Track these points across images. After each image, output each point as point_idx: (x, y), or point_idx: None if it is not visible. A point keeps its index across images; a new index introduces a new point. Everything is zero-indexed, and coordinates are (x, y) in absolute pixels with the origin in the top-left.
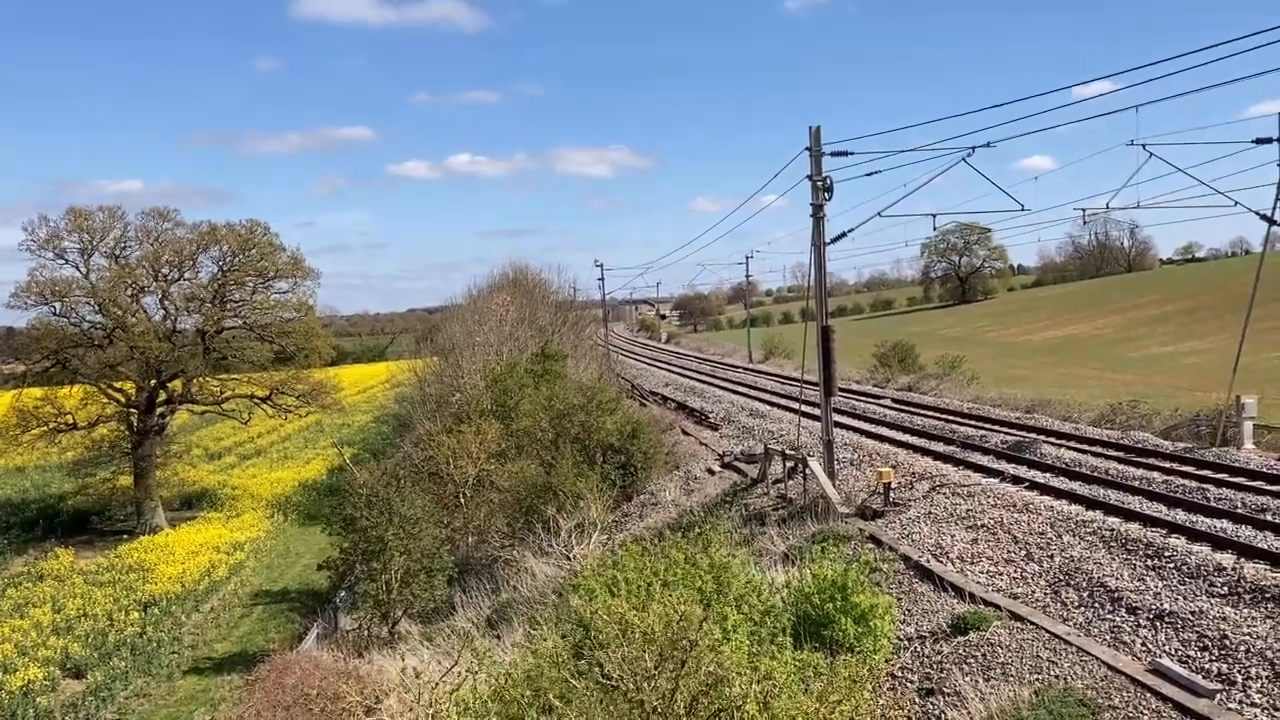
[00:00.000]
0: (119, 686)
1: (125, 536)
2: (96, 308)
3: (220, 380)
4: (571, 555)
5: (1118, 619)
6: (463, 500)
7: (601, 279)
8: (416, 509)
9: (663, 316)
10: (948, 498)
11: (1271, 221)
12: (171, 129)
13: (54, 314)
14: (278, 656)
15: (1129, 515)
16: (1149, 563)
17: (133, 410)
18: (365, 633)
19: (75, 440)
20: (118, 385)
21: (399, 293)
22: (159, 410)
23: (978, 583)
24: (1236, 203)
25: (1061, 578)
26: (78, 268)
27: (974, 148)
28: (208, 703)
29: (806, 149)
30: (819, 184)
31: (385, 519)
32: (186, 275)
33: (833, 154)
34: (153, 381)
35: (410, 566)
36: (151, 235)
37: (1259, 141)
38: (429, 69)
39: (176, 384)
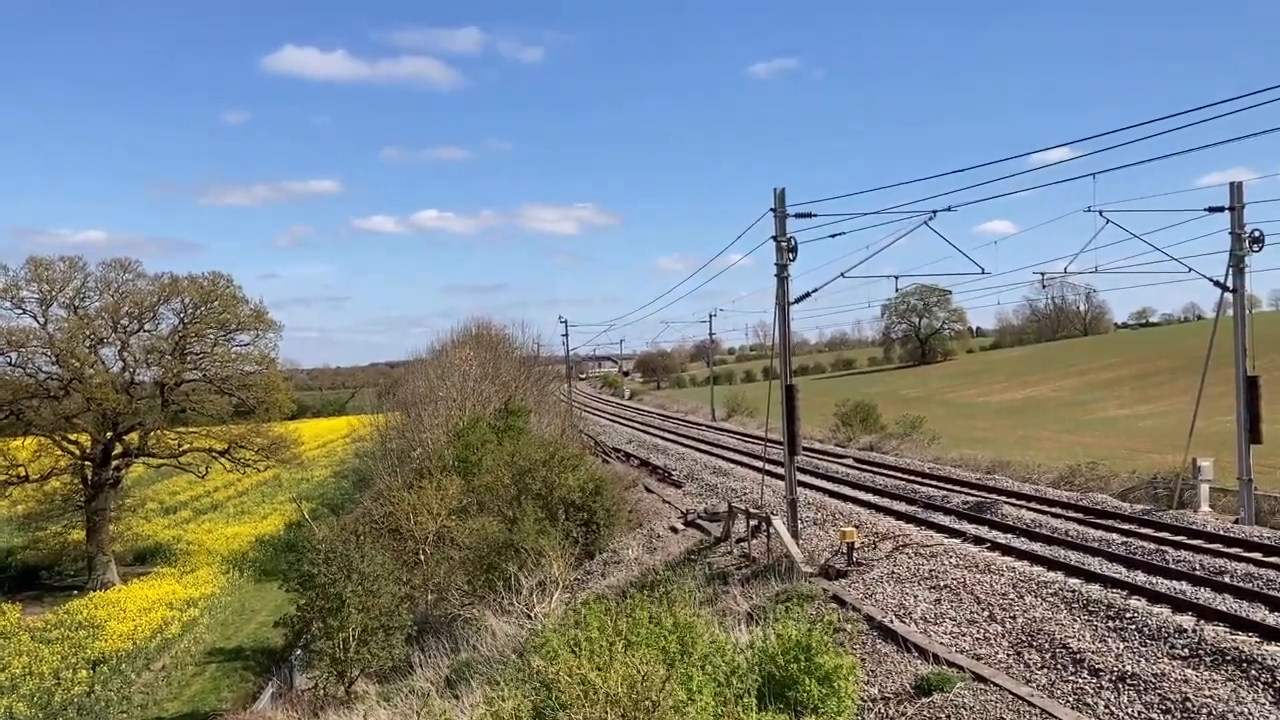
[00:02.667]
0: None
1: (75, 592)
2: (54, 359)
3: (178, 433)
4: (533, 613)
5: (1080, 680)
6: (423, 557)
7: (565, 335)
8: (376, 566)
9: (625, 373)
10: (910, 558)
11: (1224, 288)
12: (136, 179)
13: (9, 364)
14: (231, 716)
15: (1090, 576)
16: (1110, 624)
17: (87, 463)
18: (321, 692)
19: (27, 493)
20: (73, 437)
21: (361, 346)
22: (114, 463)
23: (941, 643)
24: (1190, 269)
25: (1024, 639)
26: (36, 318)
27: (935, 211)
28: None
29: (771, 210)
30: (783, 244)
31: (344, 575)
32: (146, 327)
33: (797, 215)
34: (109, 434)
35: (368, 624)
36: (112, 286)
37: (1211, 210)
38: (399, 124)
39: (133, 436)
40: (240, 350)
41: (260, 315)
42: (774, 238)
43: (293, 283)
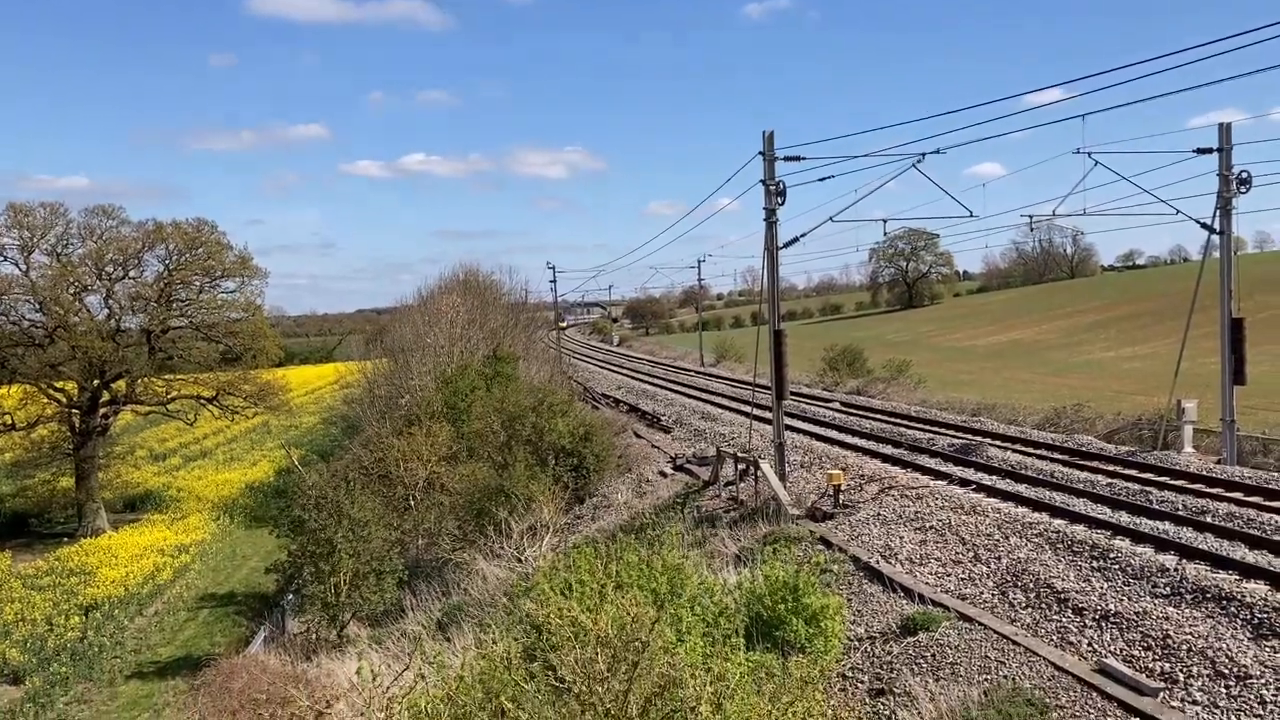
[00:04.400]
0: (58, 692)
1: (66, 539)
2: (37, 306)
3: (166, 380)
4: (523, 558)
5: (1064, 619)
6: (413, 503)
7: (554, 281)
8: (366, 511)
9: (614, 320)
10: (897, 500)
11: (1211, 230)
12: (119, 124)
13: None
14: (224, 661)
15: (1074, 517)
16: (1094, 564)
17: (74, 411)
18: (314, 636)
19: (14, 441)
20: (59, 385)
21: (348, 293)
22: (102, 411)
23: (926, 584)
24: (1178, 211)
25: (1009, 579)
26: (17, 265)
27: (924, 154)
28: (151, 708)
29: (760, 153)
30: (772, 188)
31: (334, 521)
32: (131, 274)
33: (786, 158)
34: (96, 382)
35: (359, 569)
36: (95, 233)
37: (1200, 151)
38: (386, 67)
39: (120, 384)
40: (226, 297)
41: (246, 262)
42: (763, 181)
43: (279, 229)
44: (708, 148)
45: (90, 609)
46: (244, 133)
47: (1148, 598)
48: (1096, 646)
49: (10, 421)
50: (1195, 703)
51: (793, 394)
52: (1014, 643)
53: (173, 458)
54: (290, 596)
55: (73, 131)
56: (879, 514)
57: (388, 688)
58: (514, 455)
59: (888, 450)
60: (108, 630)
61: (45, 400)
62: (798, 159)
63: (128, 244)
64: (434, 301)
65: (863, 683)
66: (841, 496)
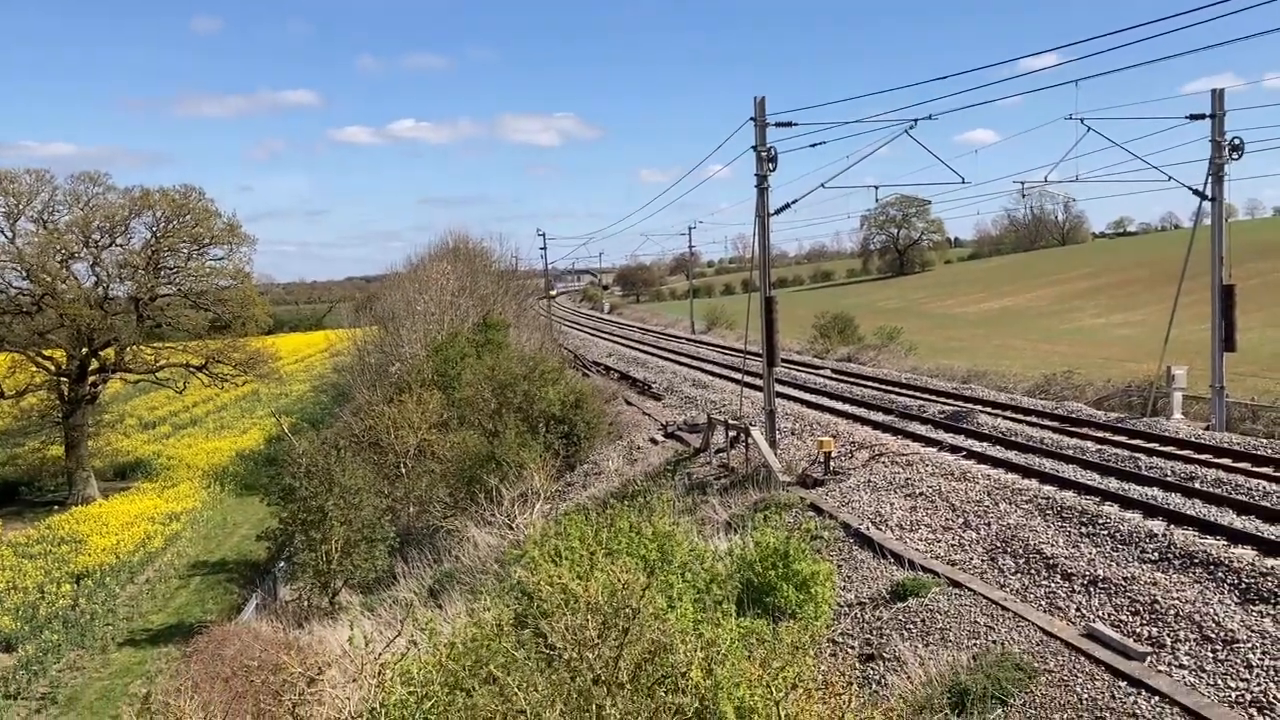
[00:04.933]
0: (51, 660)
1: (56, 507)
2: (24, 274)
3: (154, 348)
4: (514, 525)
5: (1053, 585)
6: (404, 470)
7: (544, 248)
8: (357, 479)
9: (605, 287)
10: (887, 466)
11: (1203, 196)
12: (105, 90)
13: None
14: (216, 628)
15: (1064, 483)
16: (1083, 530)
17: (63, 379)
18: (305, 603)
19: (2, 409)
20: (47, 353)
21: (337, 260)
22: (91, 379)
23: (916, 550)
24: (1170, 177)
25: (998, 545)
26: (3, 232)
27: (916, 120)
28: (144, 675)
29: (751, 119)
30: (763, 154)
31: (325, 489)
32: (118, 241)
33: (777, 124)
34: (84, 349)
35: (351, 536)
36: (81, 200)
37: (1192, 117)
38: (376, 30)
39: (109, 352)
40: (214, 264)
41: (234, 229)
42: (754, 147)
43: (268, 196)
44: (700, 115)
45: (81, 577)
46: (232, 98)
47: (1136, 563)
48: (1085, 611)
49: None
50: (1182, 667)
51: (784, 361)
52: (1003, 608)
53: (162, 426)
54: (282, 564)
55: (57, 97)
56: (869, 481)
57: (379, 654)
58: (505, 423)
59: (878, 417)
60: (99, 598)
61: (34, 368)
62: (789, 125)
63: (114, 211)
64: (424, 269)
65: (853, 648)
66: (832, 463)
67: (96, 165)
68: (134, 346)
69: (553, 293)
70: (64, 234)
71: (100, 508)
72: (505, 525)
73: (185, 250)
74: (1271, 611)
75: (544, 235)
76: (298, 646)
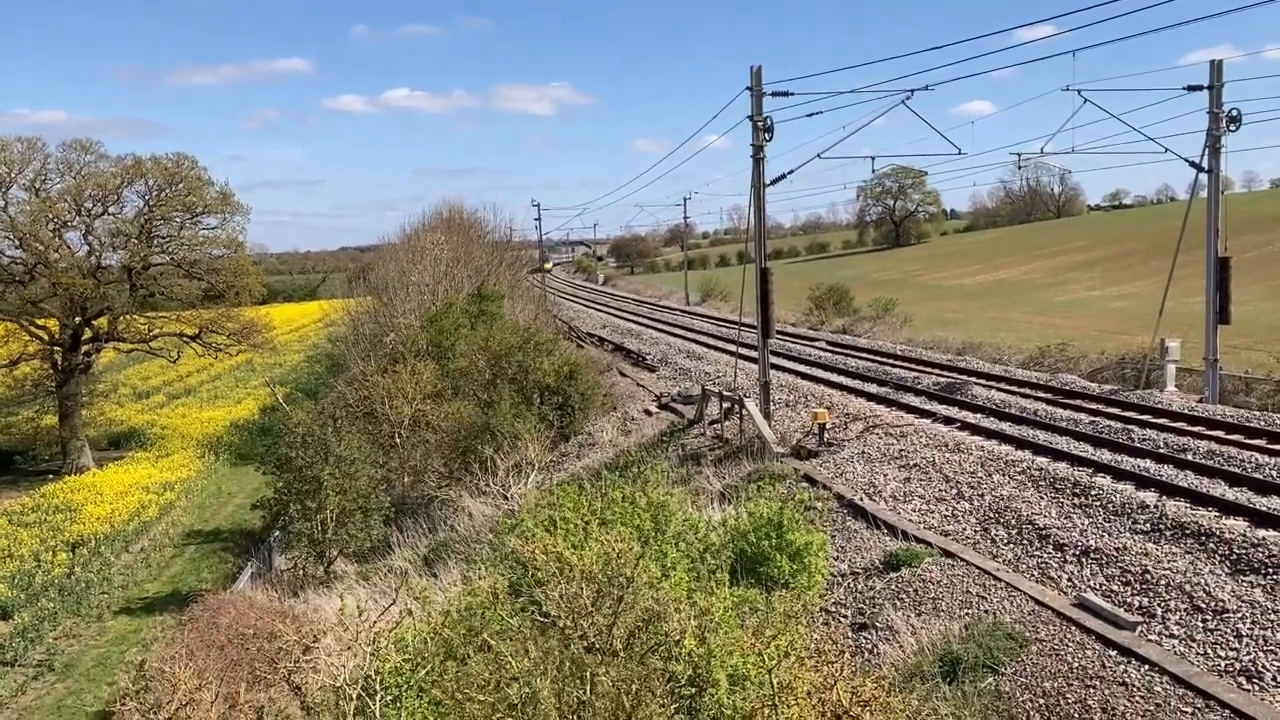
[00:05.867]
0: (47, 627)
1: (51, 477)
2: (16, 242)
3: (148, 318)
4: (509, 495)
5: (1045, 555)
6: (399, 440)
7: (538, 219)
8: (352, 449)
9: (599, 258)
10: (881, 438)
11: (1199, 169)
12: (98, 57)
13: None
14: (211, 596)
15: (1057, 455)
16: (1076, 501)
17: (57, 348)
18: (300, 572)
19: None
20: (40, 322)
21: (332, 230)
22: (84, 348)
23: (910, 520)
24: (1166, 149)
25: (991, 515)
26: None
27: (913, 90)
28: (139, 643)
29: (748, 88)
30: (759, 124)
31: (320, 458)
32: (111, 210)
33: (774, 94)
34: (77, 319)
35: (346, 506)
36: (73, 168)
37: (1190, 89)
38: (369, 0)
39: (102, 321)
40: (208, 233)
41: (227, 198)
42: (750, 117)
43: (261, 165)
44: (697, 84)
45: (76, 545)
46: (225, 67)
47: (1127, 534)
48: (1076, 581)
49: None
50: (1172, 636)
51: (778, 333)
52: (995, 578)
53: (156, 395)
54: (277, 533)
55: (51, 65)
56: (863, 452)
57: (374, 623)
58: (499, 393)
59: (873, 389)
60: (94, 566)
61: (27, 338)
62: (786, 94)
63: (106, 179)
64: (418, 239)
65: (846, 617)
66: (826, 435)
67: (89, 132)
68: (127, 316)
69: (548, 265)
70: (56, 202)
71: (94, 477)
72: (500, 495)
73: (178, 219)
74: (1262, 582)
75: (539, 206)
76: (293, 615)
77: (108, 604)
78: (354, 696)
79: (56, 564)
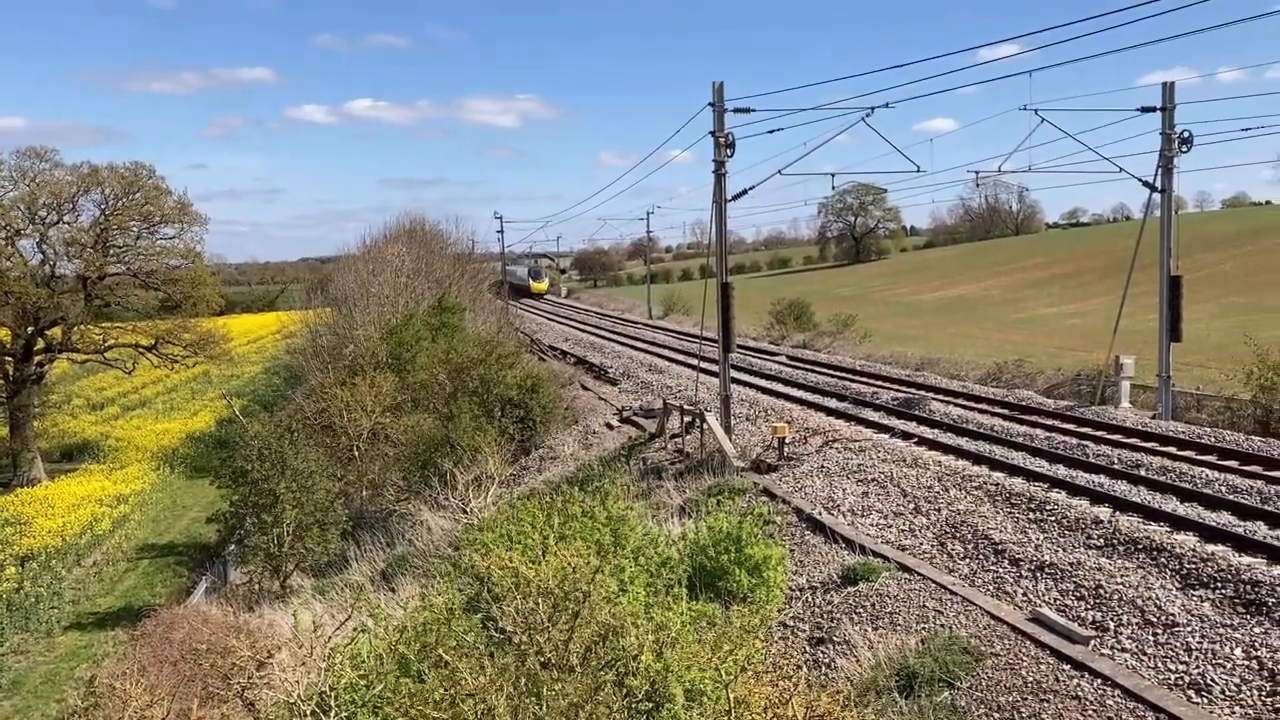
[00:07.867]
0: None
1: (0, 489)
2: None
3: (103, 328)
4: (468, 509)
5: (1001, 570)
6: (357, 453)
7: (501, 231)
8: (310, 462)
9: (562, 271)
10: (840, 452)
11: (1153, 188)
12: (58, 63)
13: None
14: (164, 611)
15: (1013, 470)
16: (1031, 516)
17: (8, 358)
18: (256, 587)
19: None
20: None
21: (295, 241)
22: (37, 359)
23: (868, 535)
24: (1120, 169)
25: (948, 530)
26: None
27: (874, 108)
28: (90, 659)
29: (710, 104)
30: (721, 140)
31: (277, 471)
32: (66, 218)
33: (735, 110)
34: (30, 329)
35: (303, 520)
36: (27, 176)
37: (1144, 110)
38: (335, 9)
39: (56, 331)
40: (165, 243)
41: (185, 208)
42: (712, 133)
43: (221, 174)
44: (662, 100)
45: (26, 559)
46: (186, 74)
47: (1082, 549)
48: (1031, 596)
49: None
50: (1124, 650)
51: (740, 347)
52: (951, 592)
53: (111, 407)
54: (232, 547)
55: (8, 70)
56: (822, 466)
57: (329, 638)
58: (460, 406)
59: (832, 404)
60: (44, 581)
61: None
62: (748, 110)
63: (61, 188)
64: (379, 250)
65: (803, 631)
66: (786, 449)
67: (48, 139)
68: (82, 326)
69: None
70: (9, 210)
71: (46, 490)
72: (459, 509)
73: (135, 229)
74: (1211, 596)
75: (501, 218)
76: (247, 630)
77: (58, 619)
78: (308, 713)
79: (4, 579)
